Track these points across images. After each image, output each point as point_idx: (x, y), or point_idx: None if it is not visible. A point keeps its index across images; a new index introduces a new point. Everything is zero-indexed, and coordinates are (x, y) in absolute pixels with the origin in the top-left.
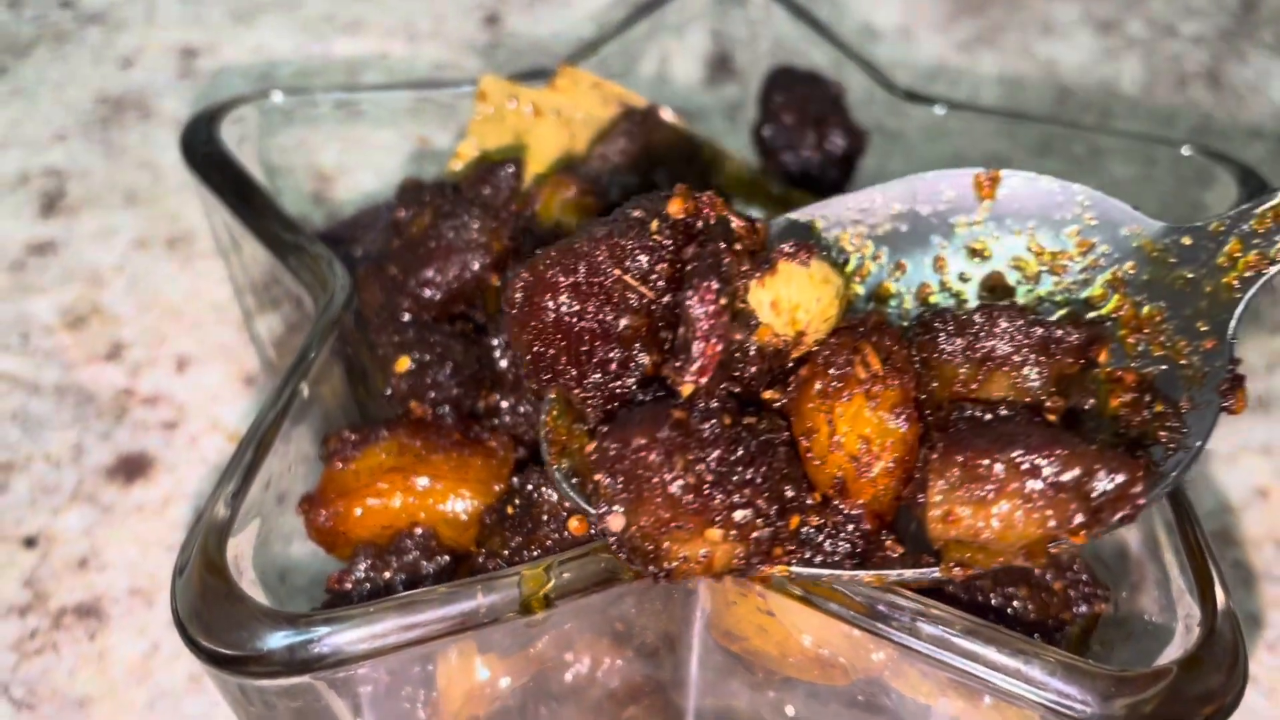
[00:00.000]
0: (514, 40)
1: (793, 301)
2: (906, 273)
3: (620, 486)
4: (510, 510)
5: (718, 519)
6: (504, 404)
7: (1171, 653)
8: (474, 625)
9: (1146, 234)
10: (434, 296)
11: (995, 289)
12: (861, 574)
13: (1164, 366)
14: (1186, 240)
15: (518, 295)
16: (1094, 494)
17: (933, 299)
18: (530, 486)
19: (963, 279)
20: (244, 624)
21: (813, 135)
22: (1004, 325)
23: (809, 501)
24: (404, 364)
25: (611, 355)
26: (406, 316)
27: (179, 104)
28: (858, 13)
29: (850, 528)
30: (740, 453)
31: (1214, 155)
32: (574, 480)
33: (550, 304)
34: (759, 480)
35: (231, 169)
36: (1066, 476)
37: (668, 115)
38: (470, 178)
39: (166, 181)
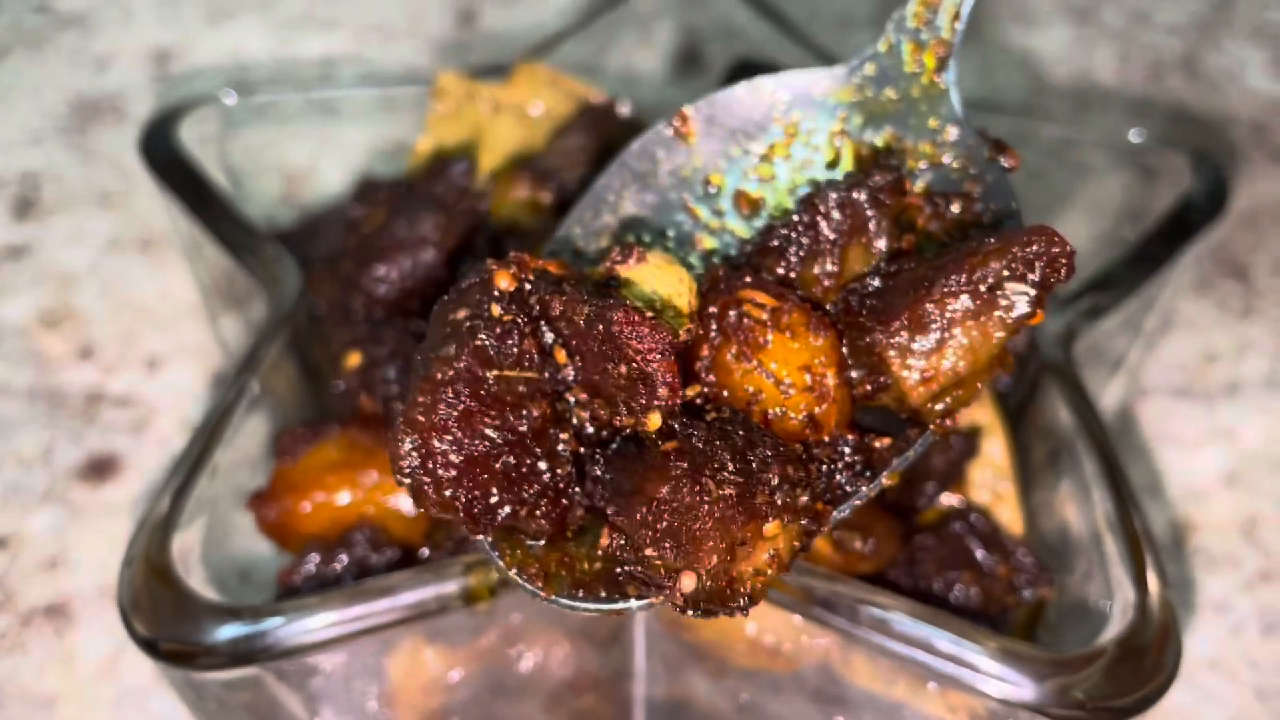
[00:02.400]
0: (489, 39)
1: (664, 295)
2: (674, 238)
3: (672, 548)
4: None
5: (767, 511)
6: None
7: (1111, 632)
8: (420, 615)
9: (835, 85)
10: (387, 293)
11: (749, 206)
12: (883, 479)
13: (931, 175)
14: (869, 70)
15: (411, 462)
16: (1030, 272)
17: (707, 244)
18: None
19: (718, 214)
20: (188, 617)
21: None
22: (832, 205)
23: (812, 453)
24: (354, 359)
25: (538, 454)
26: (360, 313)
27: (153, 106)
28: (835, 4)
29: (845, 450)
30: (740, 442)
31: (1164, 142)
32: (579, 595)
33: (451, 449)
34: (770, 454)
35: (188, 170)
36: (997, 274)
37: (625, 111)
38: (423, 174)
39: (139, 184)
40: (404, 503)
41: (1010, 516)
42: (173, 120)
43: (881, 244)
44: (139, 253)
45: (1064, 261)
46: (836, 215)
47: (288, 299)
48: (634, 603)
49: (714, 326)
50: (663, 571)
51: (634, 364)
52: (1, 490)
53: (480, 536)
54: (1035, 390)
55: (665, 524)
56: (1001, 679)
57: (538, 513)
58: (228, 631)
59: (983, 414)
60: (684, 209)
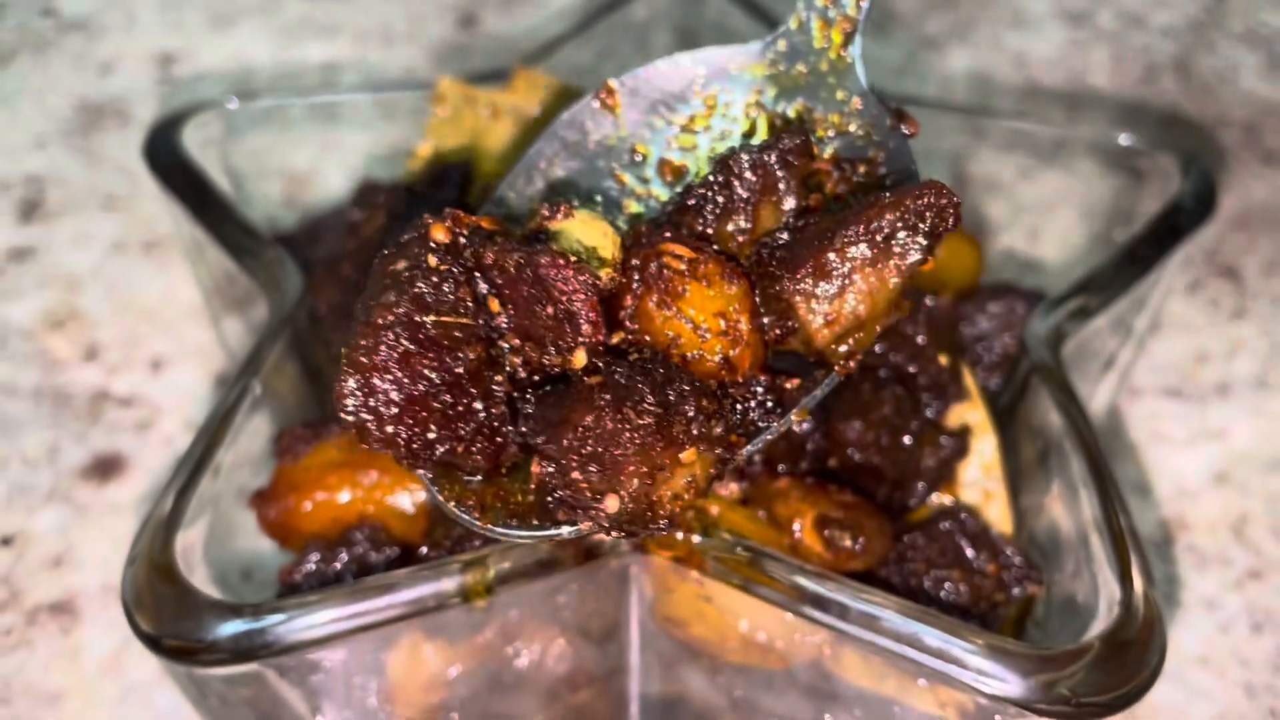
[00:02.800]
0: (490, 42)
1: (589, 245)
2: (601, 202)
3: (597, 472)
4: None
5: (684, 439)
6: None
7: (1097, 628)
8: (418, 613)
9: (750, 60)
10: None
11: (672, 174)
12: (792, 416)
13: (839, 143)
14: (781, 46)
15: (354, 400)
16: (920, 222)
17: (633, 209)
18: None
19: (643, 181)
20: (190, 614)
21: None
22: (745, 166)
23: (727, 391)
24: None
25: (473, 395)
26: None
27: (157, 110)
28: None
29: (758, 390)
30: (660, 378)
31: (1154, 144)
32: (513, 524)
33: (391, 386)
34: (688, 389)
35: (191, 174)
36: (891, 224)
37: None
38: (423, 179)
39: (143, 187)
40: (404, 502)
41: (999, 515)
42: (176, 125)
43: (790, 202)
44: (143, 255)
45: (951, 212)
46: (749, 175)
47: (289, 301)
48: (565, 529)
49: (636, 277)
50: (589, 494)
51: (560, 304)
52: (7, 489)
53: (420, 472)
54: (1025, 391)
55: (590, 449)
56: (989, 675)
57: (474, 449)
58: (229, 628)
59: (973, 414)
60: (611, 176)
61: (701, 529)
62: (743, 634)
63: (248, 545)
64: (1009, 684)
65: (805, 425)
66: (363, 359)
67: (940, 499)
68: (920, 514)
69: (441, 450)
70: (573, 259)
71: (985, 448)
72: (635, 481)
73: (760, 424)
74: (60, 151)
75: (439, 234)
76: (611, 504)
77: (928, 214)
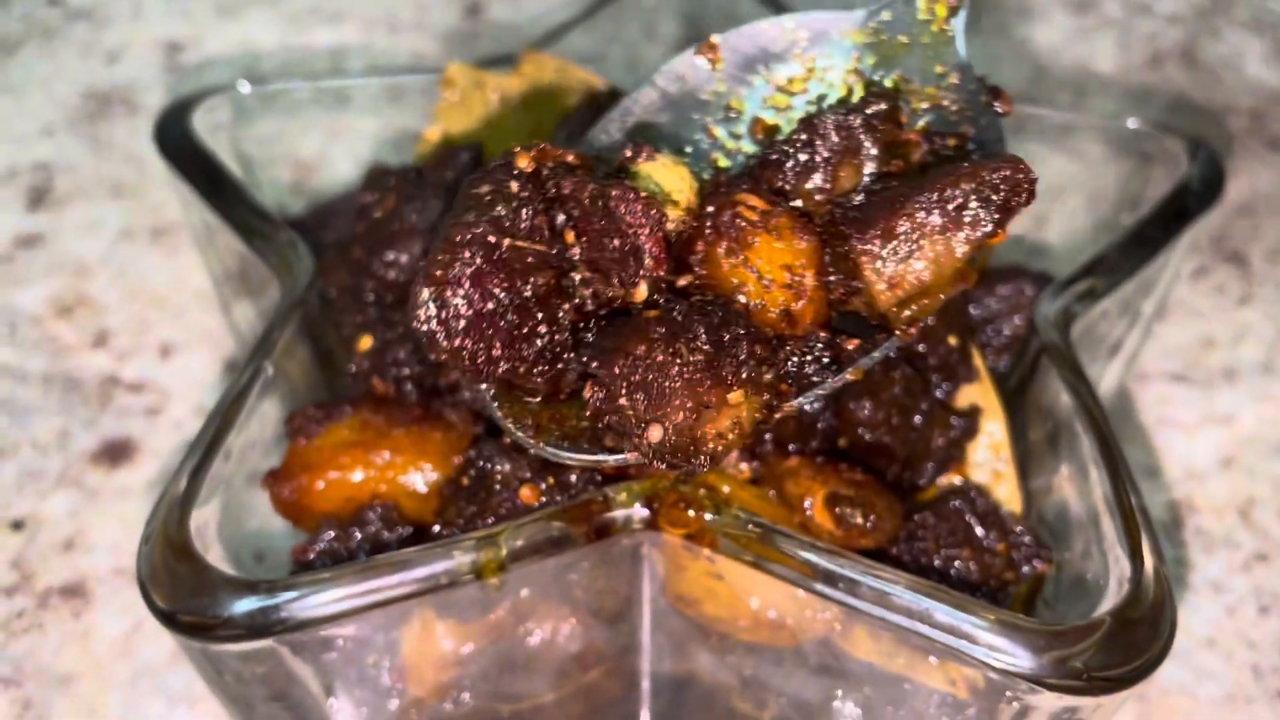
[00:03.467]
0: (496, 29)
1: (666, 190)
2: (690, 154)
3: (644, 400)
4: (465, 481)
5: (732, 380)
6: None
7: (1107, 604)
8: (431, 590)
9: (852, 27)
10: (397, 278)
11: (764, 132)
12: (847, 374)
13: (931, 116)
14: (885, 15)
15: (426, 311)
16: (994, 195)
17: (721, 163)
18: (483, 458)
19: (735, 137)
20: (205, 590)
21: None
22: (830, 127)
23: (784, 341)
24: (366, 343)
25: (539, 319)
26: (370, 297)
27: (164, 98)
28: None
29: (816, 345)
30: (717, 320)
31: (1161, 128)
32: (565, 445)
33: (463, 303)
34: (742, 333)
35: (202, 158)
36: (965, 194)
37: None
38: (432, 162)
39: (151, 174)
40: (417, 481)
41: (1009, 495)
42: (186, 109)
43: (871, 166)
44: (151, 242)
45: (1027, 187)
46: (833, 136)
47: (300, 284)
48: (609, 456)
49: (709, 224)
50: (634, 421)
51: (626, 237)
52: (17, 474)
53: (482, 386)
54: (1034, 372)
55: (639, 378)
56: (1000, 650)
57: (535, 371)
58: (244, 604)
59: (982, 395)
60: (703, 129)
61: (713, 507)
62: (754, 611)
63: (260, 527)
64: (1020, 659)
65: (816, 405)
66: (438, 272)
67: (950, 479)
68: (930, 493)
69: (505, 368)
70: (643, 194)
71: (994, 428)
72: (680, 415)
73: (814, 379)
74: (68, 139)
75: (523, 162)
76: (655, 433)
77: (1002, 187)
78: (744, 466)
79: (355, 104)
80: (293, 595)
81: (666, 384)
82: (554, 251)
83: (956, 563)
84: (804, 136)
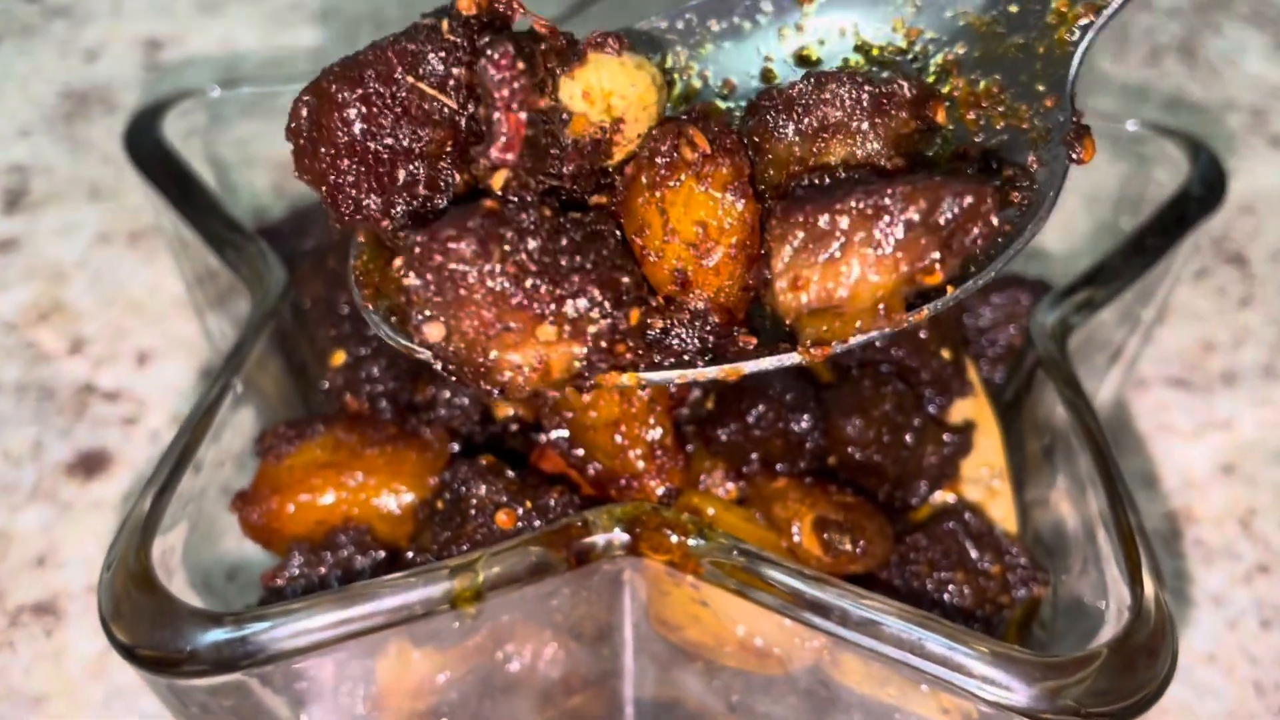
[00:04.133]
0: None
1: (605, 89)
2: (735, 90)
3: (433, 288)
4: (440, 505)
5: (548, 313)
6: (441, 395)
7: (1107, 633)
8: (405, 620)
9: (972, 10)
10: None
11: (801, 63)
12: (712, 370)
13: (1006, 136)
14: (1013, 8)
15: (302, 119)
16: (943, 222)
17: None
18: (459, 481)
19: (768, 62)
20: (169, 623)
21: None
22: (833, 89)
23: (652, 302)
24: (339, 358)
25: (416, 173)
26: (345, 309)
27: (143, 97)
28: None
29: (699, 323)
30: (564, 242)
31: (1161, 130)
32: (393, 320)
33: (339, 124)
34: (588, 267)
35: (173, 166)
36: (911, 211)
37: None
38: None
39: (129, 176)
40: (390, 503)
41: (1004, 513)
42: (157, 115)
43: (864, 151)
44: (128, 246)
45: (983, 227)
46: (834, 102)
47: (271, 296)
48: (403, 341)
49: (648, 146)
50: (416, 306)
51: (490, 105)
52: None
53: (341, 219)
54: (1030, 385)
55: (434, 263)
56: (993, 682)
57: (397, 228)
58: (210, 638)
59: (976, 409)
60: (759, 64)
61: (697, 531)
62: (740, 638)
63: (232, 544)
64: (1014, 692)
65: (805, 422)
66: (325, 84)
67: (944, 496)
68: (923, 512)
69: (362, 210)
70: (519, 64)
71: (989, 444)
72: (469, 323)
73: (677, 360)
74: (45, 140)
75: (464, 3)
76: (433, 331)
77: (956, 217)
78: (730, 486)
79: None
80: (259, 628)
81: (464, 284)
82: (466, 110)
83: (950, 586)
84: (803, 88)
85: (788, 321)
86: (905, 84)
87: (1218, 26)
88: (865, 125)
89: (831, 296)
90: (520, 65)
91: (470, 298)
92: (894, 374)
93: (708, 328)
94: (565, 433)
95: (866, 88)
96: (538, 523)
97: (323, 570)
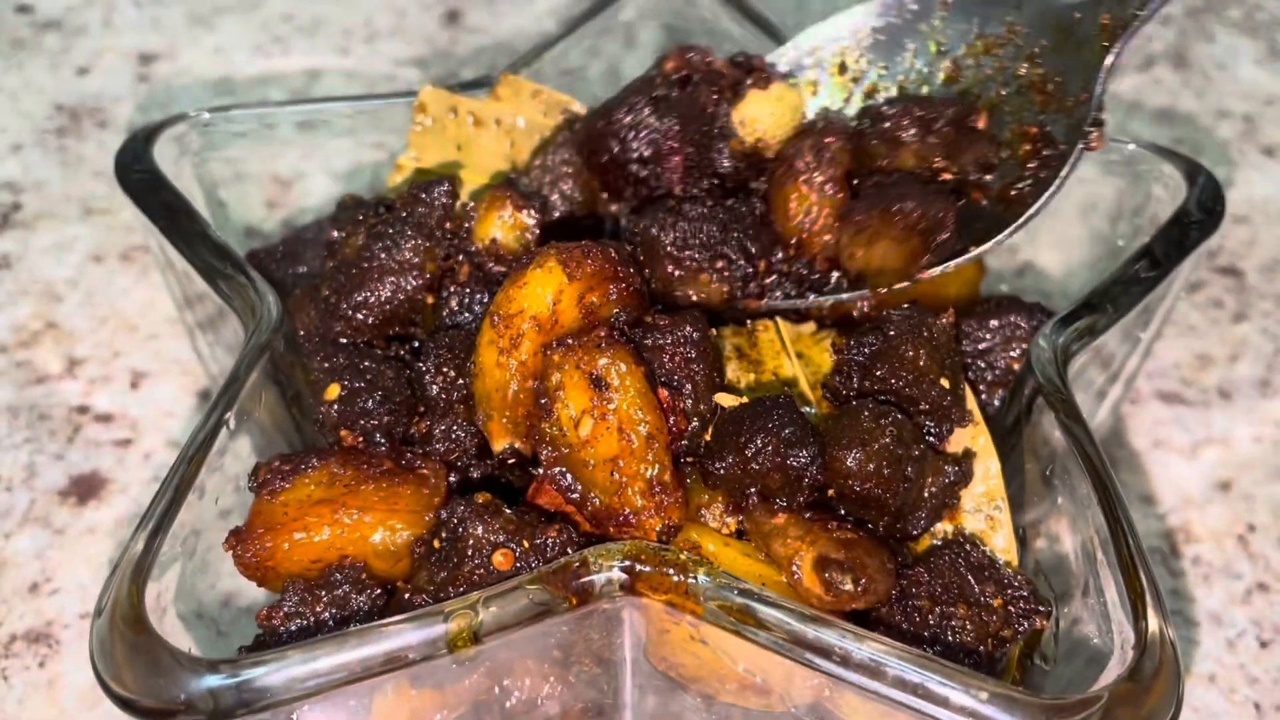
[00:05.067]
0: (475, 37)
1: (752, 117)
2: (886, 71)
3: (641, 253)
4: (436, 544)
5: (705, 268)
6: (437, 430)
7: (1110, 672)
8: (401, 665)
9: (1053, 12)
10: (367, 319)
11: (951, 82)
12: (812, 298)
13: (1056, 117)
14: (1077, 15)
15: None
16: (925, 225)
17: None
18: (455, 520)
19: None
20: (163, 671)
21: None
22: (894, 112)
23: (777, 255)
24: (333, 391)
25: (645, 174)
26: (341, 340)
27: (137, 111)
28: (817, 5)
29: (806, 270)
30: (712, 224)
31: (1159, 151)
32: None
33: (607, 151)
34: (723, 240)
35: (165, 194)
36: (907, 218)
37: None
38: (404, 195)
39: (122, 193)
40: (386, 540)
41: (1005, 543)
42: (148, 140)
43: (929, 154)
44: (122, 265)
45: (945, 230)
46: (902, 121)
47: (264, 328)
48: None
49: (786, 151)
50: (660, 252)
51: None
52: None
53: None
54: (1029, 411)
55: (641, 239)
56: None
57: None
58: (205, 685)
59: (975, 438)
60: (906, 53)
61: (696, 569)
62: (740, 676)
63: (229, 571)
64: None
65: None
66: (600, 127)
67: (944, 527)
68: (924, 544)
69: (627, 187)
70: (673, 127)
71: (989, 472)
72: (660, 271)
73: (790, 291)
74: (36, 156)
75: (669, 66)
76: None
77: (933, 220)
78: (729, 521)
79: (330, 123)
80: (254, 674)
81: (652, 248)
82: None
83: (953, 622)
84: (884, 110)
85: (854, 274)
86: (945, 107)
87: (1210, 34)
88: (920, 137)
89: (873, 264)
90: (673, 128)
91: (658, 258)
92: (893, 404)
93: (811, 271)
94: (563, 468)
95: (918, 111)
96: (535, 562)
97: (319, 609)
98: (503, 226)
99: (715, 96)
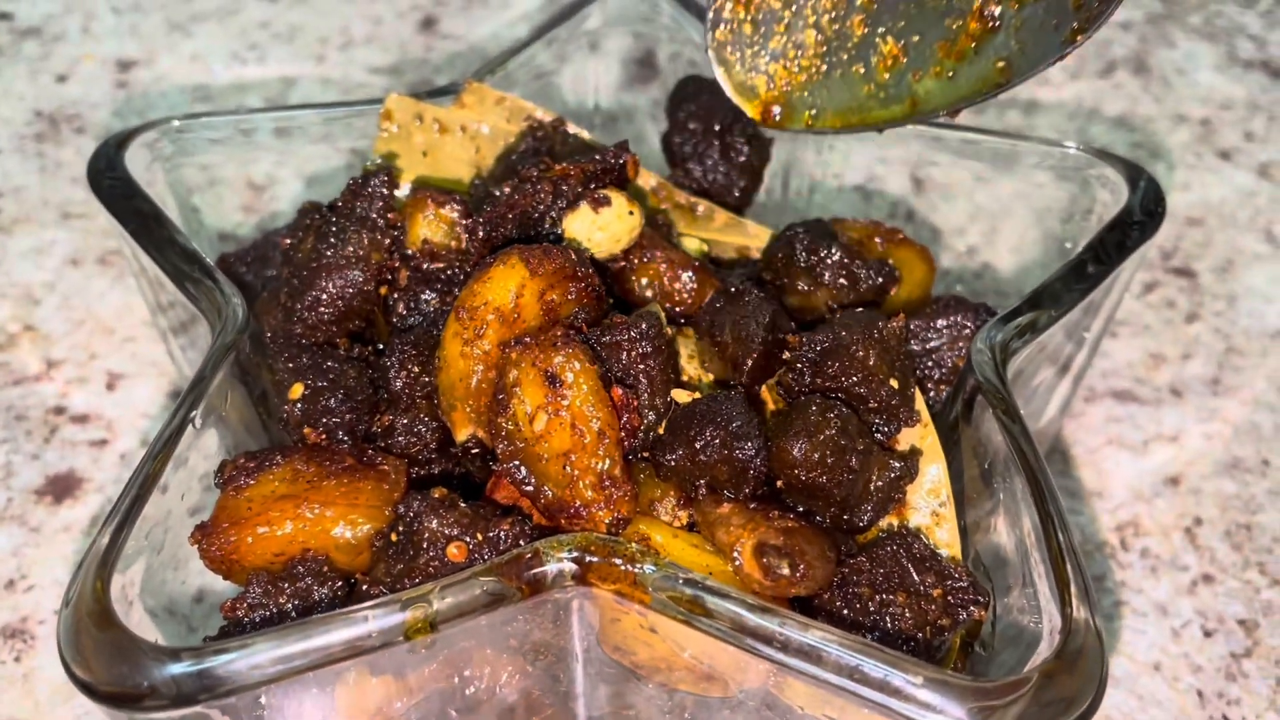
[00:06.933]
0: (449, 44)
1: (574, 234)
2: None
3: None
4: (394, 538)
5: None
6: (399, 424)
7: (1040, 656)
8: (360, 652)
9: None
10: (323, 316)
11: None
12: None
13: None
14: None
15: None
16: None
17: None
18: (411, 514)
19: None
20: (128, 659)
21: (718, 145)
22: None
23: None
24: (296, 391)
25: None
26: (302, 339)
27: (114, 118)
28: None
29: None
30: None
31: (1100, 154)
32: None
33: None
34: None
35: (136, 201)
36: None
37: (573, 128)
38: (344, 192)
39: None
40: (347, 534)
41: (949, 537)
42: (120, 147)
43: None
44: (99, 268)
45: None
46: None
47: (231, 330)
48: None
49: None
50: None
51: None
52: None
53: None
54: (969, 409)
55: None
56: (930, 707)
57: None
58: (168, 672)
59: (923, 436)
60: None
61: (644, 559)
62: (689, 663)
63: (198, 567)
64: (948, 715)
65: (750, 449)
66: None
67: (890, 521)
68: (869, 536)
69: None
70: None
71: (935, 470)
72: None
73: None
74: (15, 161)
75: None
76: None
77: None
78: (681, 514)
79: (304, 129)
80: (217, 662)
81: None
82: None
83: (891, 609)
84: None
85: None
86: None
87: (1171, 39)
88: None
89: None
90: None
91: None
92: (841, 400)
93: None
94: (518, 462)
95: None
96: (489, 554)
97: (282, 600)
98: (430, 225)
99: (551, 199)
